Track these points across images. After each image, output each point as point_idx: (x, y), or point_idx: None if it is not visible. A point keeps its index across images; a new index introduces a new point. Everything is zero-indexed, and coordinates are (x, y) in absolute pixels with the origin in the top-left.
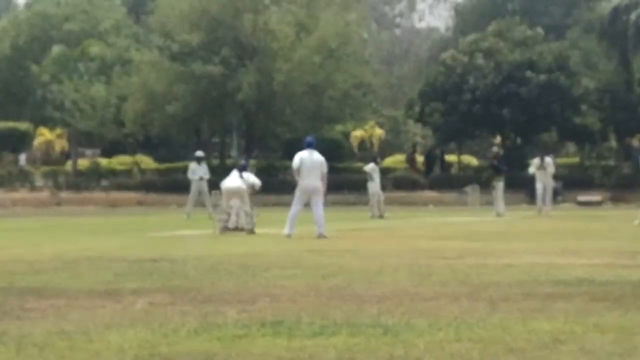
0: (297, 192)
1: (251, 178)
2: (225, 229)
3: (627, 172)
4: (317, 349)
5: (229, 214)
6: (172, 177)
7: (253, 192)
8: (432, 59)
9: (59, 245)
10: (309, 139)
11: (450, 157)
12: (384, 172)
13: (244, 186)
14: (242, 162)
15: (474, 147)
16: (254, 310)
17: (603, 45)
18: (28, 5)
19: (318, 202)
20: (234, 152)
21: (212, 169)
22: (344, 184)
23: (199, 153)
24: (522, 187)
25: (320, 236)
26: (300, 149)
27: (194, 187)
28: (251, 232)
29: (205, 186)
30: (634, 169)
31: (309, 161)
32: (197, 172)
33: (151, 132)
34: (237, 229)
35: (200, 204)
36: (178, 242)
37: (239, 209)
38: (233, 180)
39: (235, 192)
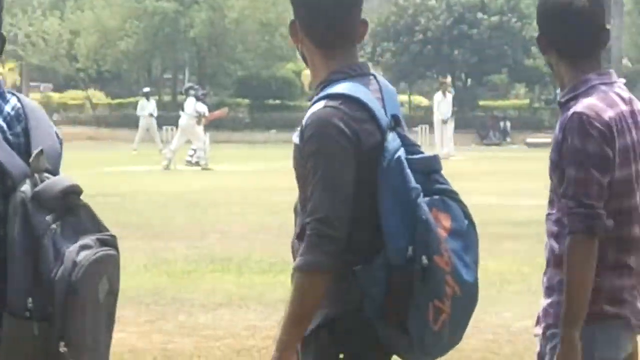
0: None
1: (197, 107)
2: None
3: None
4: (266, 286)
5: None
6: (123, 112)
7: (206, 122)
8: None
9: None
10: None
11: (401, 97)
12: None
13: (185, 121)
14: (187, 85)
15: (425, 87)
16: (203, 247)
17: None
18: None
19: None
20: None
21: (163, 105)
22: (294, 122)
23: (147, 89)
24: (471, 127)
25: None
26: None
27: (142, 124)
28: (206, 167)
29: (154, 123)
30: None
31: None
32: (146, 108)
33: (103, 68)
34: (194, 163)
35: (150, 139)
36: (129, 178)
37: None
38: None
39: (183, 129)
